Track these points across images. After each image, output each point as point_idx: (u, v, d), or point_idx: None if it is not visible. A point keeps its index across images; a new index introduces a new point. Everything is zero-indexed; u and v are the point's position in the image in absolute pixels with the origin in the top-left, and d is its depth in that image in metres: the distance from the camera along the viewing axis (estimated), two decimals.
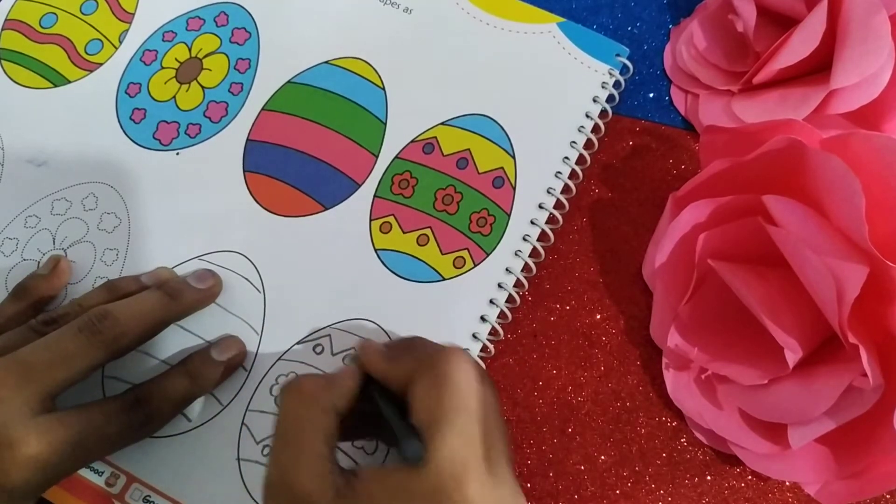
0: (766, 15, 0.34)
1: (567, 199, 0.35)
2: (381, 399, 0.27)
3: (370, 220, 0.35)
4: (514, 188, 0.35)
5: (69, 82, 0.39)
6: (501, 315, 0.33)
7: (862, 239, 0.24)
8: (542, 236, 0.34)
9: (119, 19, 0.40)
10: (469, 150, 0.35)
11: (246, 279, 0.34)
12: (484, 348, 0.33)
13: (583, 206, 0.36)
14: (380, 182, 0.35)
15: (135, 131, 0.38)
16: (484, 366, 0.33)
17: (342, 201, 0.35)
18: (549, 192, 0.34)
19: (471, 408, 0.24)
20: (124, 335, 0.29)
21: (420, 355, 0.26)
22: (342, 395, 0.26)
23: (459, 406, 0.24)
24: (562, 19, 0.37)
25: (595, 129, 0.36)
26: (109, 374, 0.33)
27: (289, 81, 0.38)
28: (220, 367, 0.32)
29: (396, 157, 0.36)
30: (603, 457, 0.33)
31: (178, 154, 0.37)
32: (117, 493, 0.32)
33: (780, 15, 0.34)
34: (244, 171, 0.36)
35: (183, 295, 0.32)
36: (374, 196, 0.35)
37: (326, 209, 0.35)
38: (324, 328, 0.33)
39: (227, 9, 0.40)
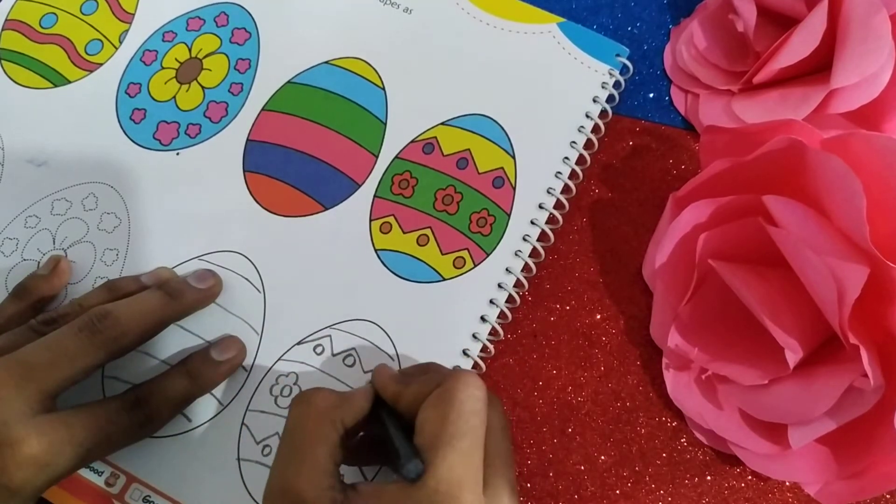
0: (766, 15, 0.34)
1: (567, 199, 0.35)
2: (388, 419, 0.27)
3: (370, 221, 0.35)
4: (514, 188, 0.35)
5: (69, 82, 0.39)
6: (501, 315, 0.33)
7: (862, 239, 0.24)
8: (542, 236, 0.34)
9: (119, 19, 0.40)
10: (469, 150, 0.35)
11: (246, 279, 0.34)
12: (484, 348, 0.33)
13: (583, 206, 0.36)
14: (380, 182, 0.35)
15: (135, 131, 0.38)
16: (484, 366, 0.33)
17: (342, 201, 0.35)
18: (549, 192, 0.34)
19: (473, 430, 0.24)
20: (124, 335, 0.29)
21: (430, 379, 0.27)
22: (352, 412, 0.27)
23: (462, 428, 0.24)
24: (562, 19, 0.37)
25: (595, 129, 0.36)
26: (109, 374, 0.33)
27: (289, 81, 0.38)
28: (220, 367, 0.32)
29: (396, 157, 0.36)
30: (603, 457, 0.33)
31: (178, 154, 0.37)
32: (117, 493, 0.32)
33: (780, 15, 0.34)
34: (244, 171, 0.36)
35: (183, 295, 0.32)
36: (374, 196, 0.35)
37: (326, 209, 0.35)
38: (324, 328, 0.33)
39: (227, 9, 0.40)
